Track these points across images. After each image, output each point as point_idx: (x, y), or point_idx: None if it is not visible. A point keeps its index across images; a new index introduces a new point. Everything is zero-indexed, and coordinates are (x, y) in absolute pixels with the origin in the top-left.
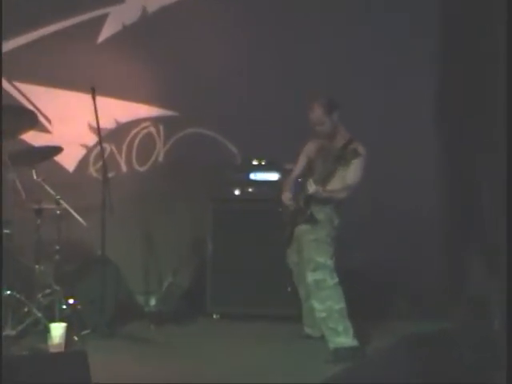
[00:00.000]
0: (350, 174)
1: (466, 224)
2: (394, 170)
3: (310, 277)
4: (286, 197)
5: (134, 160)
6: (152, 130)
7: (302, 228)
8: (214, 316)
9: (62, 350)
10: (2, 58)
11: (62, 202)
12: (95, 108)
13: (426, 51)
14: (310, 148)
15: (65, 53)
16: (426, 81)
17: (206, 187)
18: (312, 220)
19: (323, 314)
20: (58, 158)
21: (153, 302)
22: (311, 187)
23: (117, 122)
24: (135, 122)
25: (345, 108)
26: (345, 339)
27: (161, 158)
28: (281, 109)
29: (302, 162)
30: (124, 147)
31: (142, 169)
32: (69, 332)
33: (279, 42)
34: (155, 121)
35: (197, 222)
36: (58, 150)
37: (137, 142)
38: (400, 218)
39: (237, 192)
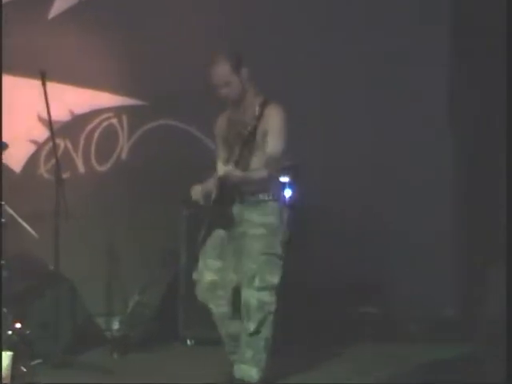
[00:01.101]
0: (269, 142)
1: (483, 237)
2: (404, 176)
3: (253, 297)
4: (196, 191)
5: (92, 158)
6: (114, 121)
7: (250, 233)
8: (188, 342)
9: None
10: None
11: (7, 208)
12: (46, 96)
13: (438, 52)
14: (220, 125)
15: (9, 31)
16: (439, 82)
17: (178, 190)
18: (227, 219)
19: (253, 339)
20: (3, 157)
21: (116, 325)
22: (220, 169)
23: (72, 114)
24: (94, 113)
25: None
26: (256, 374)
27: (124, 155)
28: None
29: (218, 145)
30: (81, 143)
31: (102, 168)
32: (16, 362)
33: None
34: (118, 111)
35: (168, 231)
36: (1, 146)
37: (96, 136)
38: (411, 231)
39: (213, 195)
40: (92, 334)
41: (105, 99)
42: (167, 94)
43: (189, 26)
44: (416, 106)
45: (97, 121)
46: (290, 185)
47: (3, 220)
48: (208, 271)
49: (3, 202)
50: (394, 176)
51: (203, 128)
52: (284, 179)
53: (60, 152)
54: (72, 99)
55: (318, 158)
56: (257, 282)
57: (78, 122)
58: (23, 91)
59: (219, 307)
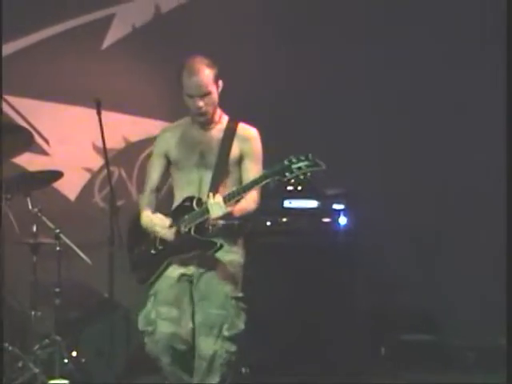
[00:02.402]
0: (249, 169)
1: None
2: (458, 200)
3: (220, 347)
4: (163, 223)
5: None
6: None
7: (215, 273)
8: (243, 370)
9: None
10: (1, 61)
11: (62, 236)
12: (101, 125)
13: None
14: (168, 141)
15: (64, 61)
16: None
17: None
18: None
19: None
20: (58, 185)
21: None
22: (217, 207)
23: (126, 142)
24: (148, 141)
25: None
26: None
27: None
28: (321, 125)
29: (157, 165)
30: (135, 171)
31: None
32: None
33: (305, 47)
34: None
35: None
36: (57, 175)
37: None
38: (466, 256)
39: (268, 222)
40: (147, 361)
41: (158, 127)
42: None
43: (243, 52)
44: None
45: (151, 149)
46: (345, 212)
47: (58, 248)
48: (163, 321)
49: (58, 230)
50: (448, 200)
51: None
52: (338, 206)
53: (114, 180)
54: (126, 128)
55: (372, 185)
56: (225, 331)
57: (133, 150)
58: (78, 120)
59: (177, 363)
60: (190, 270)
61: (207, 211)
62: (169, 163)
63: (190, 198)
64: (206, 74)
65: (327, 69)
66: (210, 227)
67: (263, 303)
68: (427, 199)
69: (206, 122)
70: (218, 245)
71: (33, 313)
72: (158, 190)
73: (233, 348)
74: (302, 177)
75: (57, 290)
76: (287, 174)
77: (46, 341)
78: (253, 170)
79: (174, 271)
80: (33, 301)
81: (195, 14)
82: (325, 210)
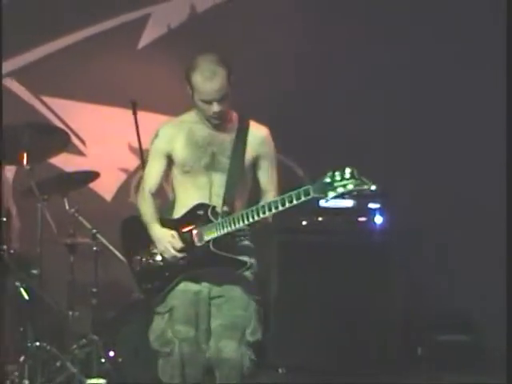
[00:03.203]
0: (266, 172)
1: None
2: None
3: (243, 355)
4: (177, 245)
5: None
6: None
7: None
8: (280, 370)
9: None
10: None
11: (99, 236)
12: (136, 125)
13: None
14: (172, 139)
15: (100, 61)
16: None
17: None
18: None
19: None
20: (94, 185)
21: None
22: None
23: None
24: None
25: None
26: None
27: None
28: (354, 128)
29: (158, 164)
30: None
31: None
32: None
33: (355, 53)
34: None
35: (258, 257)
36: (93, 175)
37: None
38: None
39: (304, 222)
40: None
41: None
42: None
43: (278, 52)
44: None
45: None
46: (381, 211)
47: (95, 248)
48: (182, 342)
49: (95, 230)
50: (484, 199)
51: (291, 155)
52: (374, 205)
53: None
54: None
55: (408, 183)
56: (249, 336)
57: None
58: (114, 121)
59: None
60: (206, 280)
61: (232, 223)
62: (170, 163)
63: (204, 206)
64: (222, 75)
65: (348, 67)
66: (237, 241)
67: (299, 303)
68: (464, 198)
69: (218, 124)
70: (249, 264)
71: (70, 313)
72: (156, 193)
73: (254, 356)
74: (346, 195)
75: (94, 289)
76: (330, 193)
77: (84, 340)
78: (271, 171)
79: (190, 285)
80: (70, 301)
81: (230, 14)
82: (360, 209)
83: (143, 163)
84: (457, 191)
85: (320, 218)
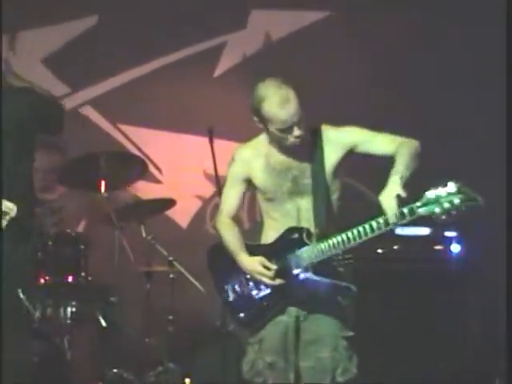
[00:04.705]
0: (372, 141)
1: None
2: None
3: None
4: (269, 274)
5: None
6: None
7: (322, 310)
8: None
9: None
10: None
11: (175, 263)
12: (213, 153)
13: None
14: (250, 163)
15: (176, 90)
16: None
17: None
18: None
19: None
20: (170, 212)
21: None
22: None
23: None
24: None
25: None
26: None
27: None
28: (430, 152)
29: (237, 189)
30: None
31: None
32: None
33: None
34: None
35: None
36: (169, 202)
37: None
38: None
39: (380, 250)
40: None
41: None
42: None
43: (353, 78)
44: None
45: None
46: (457, 239)
47: (172, 276)
48: (272, 372)
49: (171, 258)
50: None
51: (365, 181)
52: (451, 233)
53: None
54: None
55: (486, 212)
56: (339, 376)
57: None
58: (190, 148)
59: None
60: (294, 311)
61: (332, 246)
62: (249, 187)
63: (297, 230)
64: (293, 96)
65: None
66: (335, 265)
67: (374, 332)
68: None
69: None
70: (353, 289)
71: (147, 340)
72: (235, 218)
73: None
74: (453, 212)
75: (170, 317)
76: (437, 210)
77: (160, 368)
78: (382, 139)
79: (279, 315)
80: (147, 328)
81: (305, 42)
82: (437, 237)
83: (220, 190)
84: None
85: (395, 246)
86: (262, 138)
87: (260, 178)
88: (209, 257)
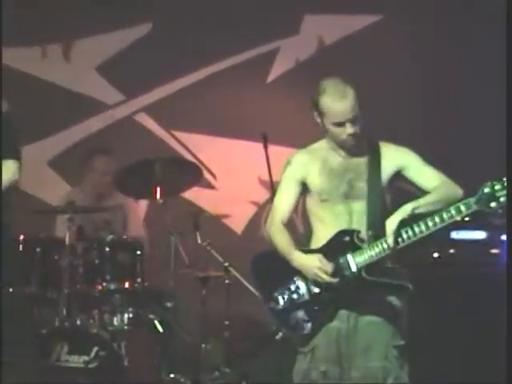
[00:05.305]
0: (423, 173)
1: None
2: None
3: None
4: (326, 269)
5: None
6: None
7: (372, 318)
8: None
9: None
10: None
11: (231, 269)
12: (267, 159)
13: None
14: (307, 166)
15: (230, 95)
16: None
17: None
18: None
19: None
20: (225, 219)
21: None
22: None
23: None
24: None
25: None
26: None
27: None
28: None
29: (292, 192)
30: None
31: None
32: None
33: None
34: None
35: None
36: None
37: None
38: None
39: (436, 254)
40: None
41: None
42: None
43: (406, 82)
44: None
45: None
46: None
47: (227, 281)
48: (326, 380)
49: (227, 263)
50: None
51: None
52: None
53: None
54: None
55: None
56: None
57: None
58: (244, 154)
59: None
60: (345, 315)
61: (385, 247)
62: (304, 191)
63: (348, 232)
64: (351, 95)
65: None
66: (389, 266)
67: (430, 338)
68: None
69: (352, 148)
70: (410, 287)
71: (203, 345)
72: (287, 223)
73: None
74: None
75: (226, 322)
76: (493, 204)
77: (216, 373)
78: (429, 172)
79: (331, 321)
80: (203, 333)
81: (359, 46)
82: (493, 240)
83: (274, 196)
84: None
85: (451, 250)
86: (321, 144)
87: (316, 180)
88: (253, 266)
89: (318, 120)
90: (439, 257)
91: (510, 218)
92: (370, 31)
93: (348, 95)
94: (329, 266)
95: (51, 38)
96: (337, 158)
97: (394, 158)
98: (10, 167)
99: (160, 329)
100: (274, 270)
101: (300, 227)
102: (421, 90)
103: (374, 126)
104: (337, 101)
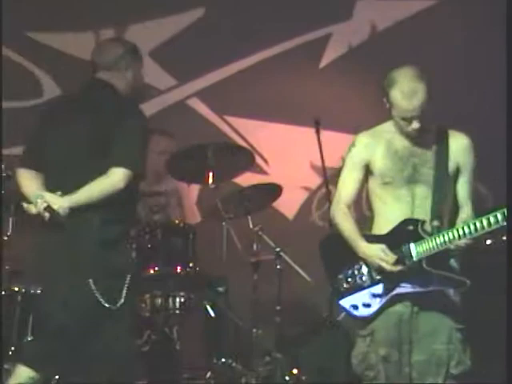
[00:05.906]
0: (466, 185)
1: None
2: None
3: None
4: (388, 259)
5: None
6: None
7: (436, 301)
8: None
9: None
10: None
11: (282, 254)
12: (319, 144)
13: None
14: (370, 149)
15: (282, 81)
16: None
17: None
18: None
19: None
20: (277, 204)
21: None
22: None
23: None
24: None
25: None
26: None
27: None
28: None
29: (356, 175)
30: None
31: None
32: None
33: None
34: None
35: None
36: (275, 188)
37: None
38: None
39: (489, 241)
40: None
41: None
42: None
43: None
44: None
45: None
46: None
47: (279, 266)
48: (387, 366)
49: (279, 249)
50: None
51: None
52: None
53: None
54: (344, 146)
55: None
56: (453, 369)
57: None
58: (297, 140)
59: None
60: (407, 302)
61: (449, 239)
62: (367, 174)
63: (413, 221)
64: (422, 91)
65: None
66: (449, 259)
67: (482, 328)
68: None
69: (417, 139)
70: (468, 283)
71: (254, 330)
72: (352, 205)
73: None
74: None
75: (277, 307)
76: None
77: (268, 358)
78: (470, 184)
79: (392, 306)
80: (254, 318)
81: (412, 31)
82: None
83: (326, 181)
84: None
85: (504, 237)
86: (387, 126)
87: (380, 163)
88: (321, 248)
89: (387, 106)
90: (492, 244)
91: (511, 217)
92: (423, 16)
93: (418, 92)
94: (391, 257)
95: (104, 23)
96: (403, 142)
97: (457, 154)
98: (117, 173)
99: (212, 313)
100: (340, 253)
101: (365, 209)
102: (478, 76)
103: (435, 112)
104: (406, 99)
